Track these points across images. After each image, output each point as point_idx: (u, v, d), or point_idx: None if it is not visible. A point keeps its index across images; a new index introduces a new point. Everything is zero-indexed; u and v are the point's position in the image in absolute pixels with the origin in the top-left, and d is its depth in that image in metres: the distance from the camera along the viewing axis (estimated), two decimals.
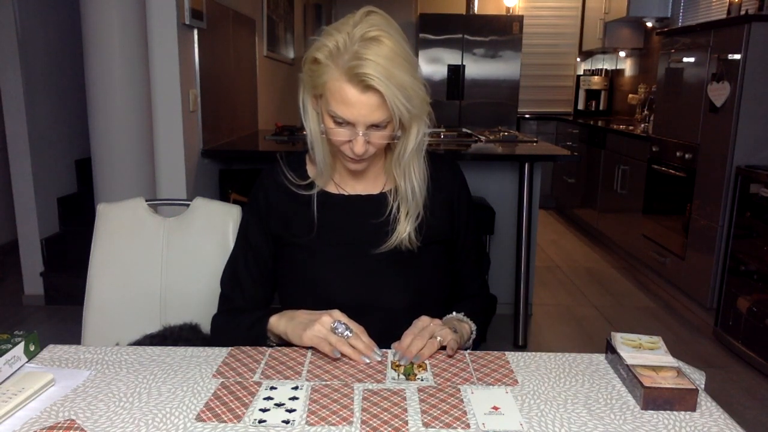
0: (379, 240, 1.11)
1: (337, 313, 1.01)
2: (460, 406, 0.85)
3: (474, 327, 1.13)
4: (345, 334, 0.98)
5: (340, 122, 1.01)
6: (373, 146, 1.05)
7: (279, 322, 1.06)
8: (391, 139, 1.05)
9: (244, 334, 1.10)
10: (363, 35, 0.96)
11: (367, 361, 0.97)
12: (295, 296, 1.15)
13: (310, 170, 1.17)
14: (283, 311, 1.08)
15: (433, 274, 1.16)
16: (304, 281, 1.13)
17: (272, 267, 1.19)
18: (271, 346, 1.06)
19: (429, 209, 1.14)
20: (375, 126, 1.01)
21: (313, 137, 1.09)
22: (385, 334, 1.05)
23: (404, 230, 1.10)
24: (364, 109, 0.98)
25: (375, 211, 1.14)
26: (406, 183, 1.10)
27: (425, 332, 1.00)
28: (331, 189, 1.16)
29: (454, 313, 1.13)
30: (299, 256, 1.14)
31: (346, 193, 1.16)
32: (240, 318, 1.14)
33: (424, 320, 1.03)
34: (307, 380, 0.92)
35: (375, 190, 1.16)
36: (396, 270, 1.12)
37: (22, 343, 0.95)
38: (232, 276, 1.20)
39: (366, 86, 0.96)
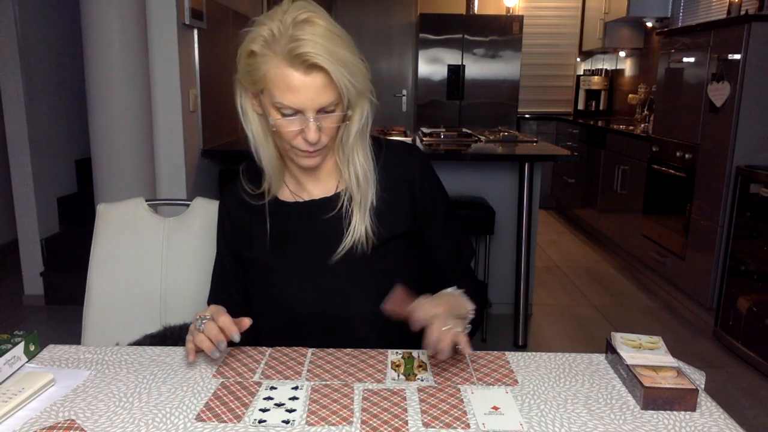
0: (336, 242, 1.07)
1: (209, 310, 0.97)
2: (460, 406, 0.85)
3: (471, 308, 1.05)
4: (201, 327, 0.95)
5: (288, 113, 0.97)
6: (325, 134, 1.00)
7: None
8: (342, 121, 1.02)
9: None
10: (295, 18, 0.94)
11: (216, 354, 0.93)
12: (260, 311, 1.12)
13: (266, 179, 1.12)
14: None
15: (397, 272, 1.09)
16: (265, 296, 1.11)
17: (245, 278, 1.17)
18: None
19: (385, 201, 1.08)
20: (324, 110, 0.98)
21: (257, 141, 1.05)
22: (354, 342, 1.04)
23: (360, 222, 1.05)
24: (311, 92, 0.95)
25: (329, 209, 1.09)
26: (350, 169, 1.07)
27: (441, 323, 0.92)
28: (286, 196, 1.12)
29: (449, 289, 1.06)
30: (259, 270, 1.11)
31: (301, 200, 1.11)
32: None
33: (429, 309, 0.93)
34: (307, 380, 0.92)
35: (329, 191, 1.11)
36: (355, 275, 1.07)
37: (22, 343, 0.95)
38: (217, 299, 1.18)
39: (310, 66, 0.93)
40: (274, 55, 0.94)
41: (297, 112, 0.97)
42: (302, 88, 0.95)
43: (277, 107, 0.97)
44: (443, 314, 0.92)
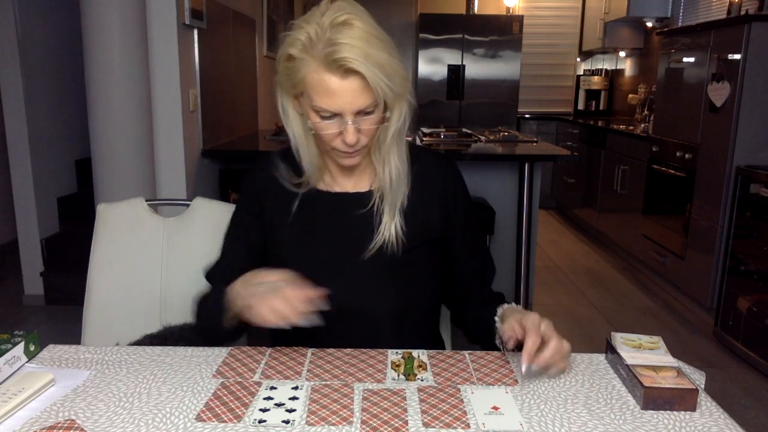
0: (365, 238, 1.08)
1: (273, 276, 0.96)
2: (460, 406, 0.85)
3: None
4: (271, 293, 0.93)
5: (327, 116, 0.98)
6: (364, 135, 1.01)
7: (233, 289, 1.01)
8: (381, 123, 1.02)
9: (208, 308, 1.08)
10: (332, 21, 0.94)
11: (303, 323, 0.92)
12: None
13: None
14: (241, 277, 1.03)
15: (421, 277, 1.12)
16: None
17: (261, 260, 1.14)
18: (226, 325, 1.04)
19: (417, 205, 1.10)
20: (362, 112, 0.98)
21: (298, 141, 1.06)
22: (369, 340, 1.04)
23: (390, 222, 1.07)
24: (348, 96, 0.95)
25: (360, 205, 1.10)
26: (384, 169, 1.07)
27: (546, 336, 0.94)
28: (319, 187, 1.13)
29: (513, 304, 1.09)
30: (282, 255, 1.11)
31: (333, 191, 1.13)
32: (206, 295, 1.12)
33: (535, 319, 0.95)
34: (307, 380, 0.92)
35: (364, 187, 1.13)
36: (381, 274, 1.08)
37: (22, 343, 0.95)
38: (219, 272, 1.16)
39: (346, 70, 0.93)
40: (312, 59, 0.95)
41: (335, 114, 0.98)
42: (340, 92, 0.95)
43: (316, 110, 0.98)
44: (551, 323, 0.94)
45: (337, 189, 1.13)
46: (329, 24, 0.94)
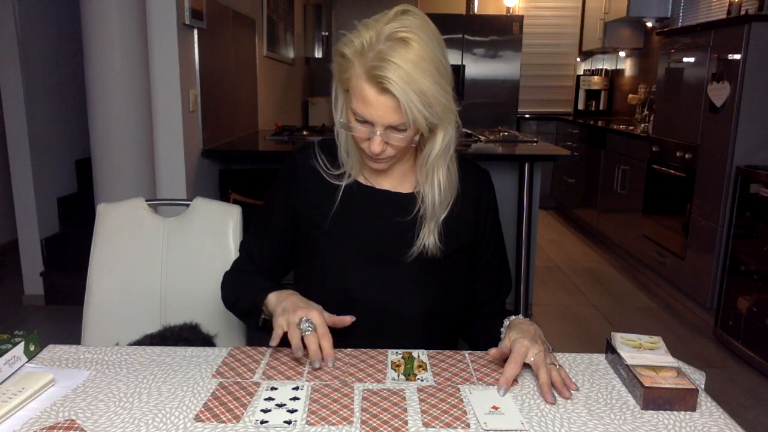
0: (403, 242, 1.09)
1: (316, 313, 0.97)
2: (460, 406, 0.85)
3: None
4: (306, 332, 0.95)
5: (360, 119, 1.00)
6: (391, 148, 1.02)
7: (272, 299, 1.04)
8: (409, 143, 1.02)
9: (247, 296, 1.11)
10: (391, 35, 0.94)
11: (317, 365, 0.95)
12: (309, 282, 1.14)
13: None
14: (284, 291, 1.05)
15: (454, 283, 1.14)
16: (319, 270, 1.11)
17: (288, 244, 1.18)
18: (260, 324, 1.07)
19: (455, 213, 1.11)
20: (393, 128, 0.99)
21: (340, 129, 1.08)
22: (396, 343, 1.04)
23: (430, 232, 1.08)
24: (381, 110, 0.97)
25: (402, 210, 1.11)
26: (426, 188, 1.09)
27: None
28: (361, 181, 1.14)
29: (520, 316, 1.08)
30: (318, 243, 1.11)
31: (375, 187, 1.13)
32: (250, 280, 1.15)
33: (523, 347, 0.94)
34: (307, 380, 0.92)
35: (405, 188, 1.13)
36: (417, 278, 1.10)
37: (22, 343, 0.95)
38: (246, 247, 1.21)
39: (383, 88, 0.94)
40: (359, 65, 0.96)
41: (368, 121, 0.99)
42: (375, 105, 0.97)
43: (353, 111, 1.00)
44: (541, 351, 0.93)
45: (378, 186, 1.13)
46: (387, 36, 0.94)
